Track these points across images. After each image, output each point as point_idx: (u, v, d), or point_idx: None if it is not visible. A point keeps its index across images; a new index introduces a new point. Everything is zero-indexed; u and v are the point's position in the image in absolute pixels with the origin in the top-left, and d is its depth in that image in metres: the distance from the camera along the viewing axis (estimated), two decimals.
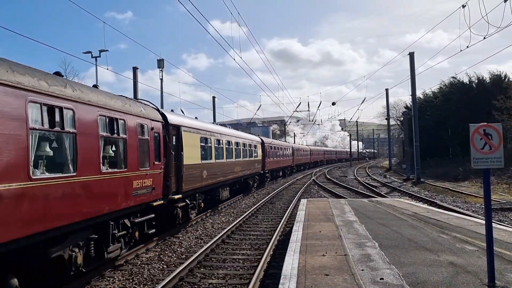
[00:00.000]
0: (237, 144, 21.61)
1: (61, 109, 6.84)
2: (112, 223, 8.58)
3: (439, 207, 16.33)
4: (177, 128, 12.97)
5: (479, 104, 40.29)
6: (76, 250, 7.38)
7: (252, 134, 30.13)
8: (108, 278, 8.44)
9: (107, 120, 8.38)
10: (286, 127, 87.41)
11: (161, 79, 37.94)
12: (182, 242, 11.77)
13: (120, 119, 8.91)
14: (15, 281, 6.11)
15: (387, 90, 50.38)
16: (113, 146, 8.72)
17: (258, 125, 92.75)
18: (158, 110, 12.15)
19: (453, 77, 47.24)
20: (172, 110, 15.18)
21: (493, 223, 6.64)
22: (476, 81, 44.81)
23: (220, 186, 18.22)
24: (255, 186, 27.25)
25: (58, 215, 6.67)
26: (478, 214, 14.68)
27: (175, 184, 12.48)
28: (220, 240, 11.59)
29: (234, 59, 21.26)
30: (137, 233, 9.95)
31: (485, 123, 5.53)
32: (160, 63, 38.18)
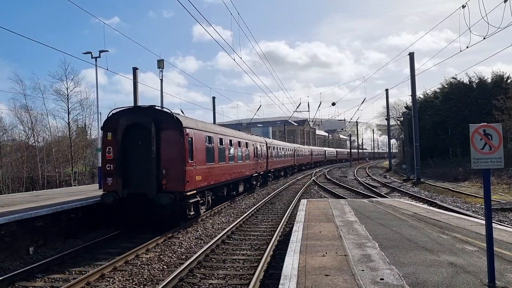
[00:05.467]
0: (285, 149, 40.50)
1: (244, 142, 23.32)
2: (255, 175, 26.27)
3: (439, 207, 16.32)
4: (269, 146, 31.49)
5: (479, 104, 40.32)
6: (254, 181, 26.53)
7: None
8: (108, 279, 8.43)
9: (258, 146, 26.68)
10: (285, 127, 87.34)
11: (161, 80, 37.90)
12: (182, 242, 11.77)
13: (259, 144, 27.21)
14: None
15: (387, 90, 50.40)
16: (260, 153, 27.22)
17: (258, 125, 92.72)
18: (262, 137, 33.60)
19: (453, 78, 47.30)
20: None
21: (493, 223, 6.63)
22: (477, 81, 44.81)
23: (279, 170, 37.91)
24: (289, 173, 45.03)
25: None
26: (478, 214, 14.68)
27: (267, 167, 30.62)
28: (220, 241, 11.59)
29: (234, 60, 21.41)
30: (260, 181, 28.43)
31: (485, 123, 5.52)
32: (160, 64, 38.12)
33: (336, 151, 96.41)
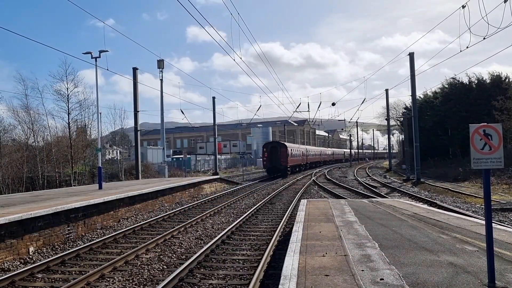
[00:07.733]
0: (314, 151, 68.10)
1: (299, 149, 55.18)
2: (302, 164, 55.63)
3: (439, 208, 16.31)
4: (307, 150, 61.32)
5: (479, 104, 40.32)
6: (302, 167, 55.77)
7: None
8: (108, 279, 8.43)
9: (302, 149, 57.40)
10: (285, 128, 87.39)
11: (161, 80, 37.90)
12: (182, 242, 11.77)
13: (302, 149, 57.97)
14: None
15: (387, 90, 50.45)
16: (303, 153, 56.72)
17: (258, 125, 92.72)
18: (303, 145, 74.16)
19: (452, 78, 47.28)
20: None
21: (493, 224, 6.63)
22: (476, 82, 44.81)
23: (311, 163, 62.86)
24: (318, 166, 66.59)
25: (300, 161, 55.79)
26: (478, 215, 14.68)
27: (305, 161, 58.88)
28: (220, 241, 11.59)
29: (234, 60, 21.50)
30: (303, 168, 57.19)
31: (485, 124, 5.51)
32: (160, 64, 38.10)
33: (355, 152, 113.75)
